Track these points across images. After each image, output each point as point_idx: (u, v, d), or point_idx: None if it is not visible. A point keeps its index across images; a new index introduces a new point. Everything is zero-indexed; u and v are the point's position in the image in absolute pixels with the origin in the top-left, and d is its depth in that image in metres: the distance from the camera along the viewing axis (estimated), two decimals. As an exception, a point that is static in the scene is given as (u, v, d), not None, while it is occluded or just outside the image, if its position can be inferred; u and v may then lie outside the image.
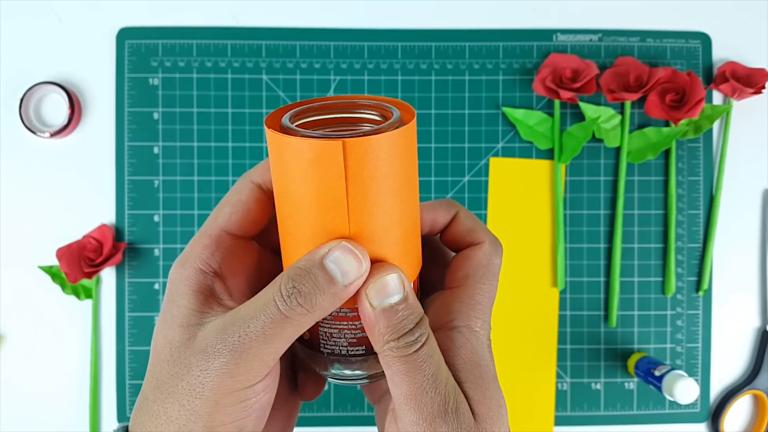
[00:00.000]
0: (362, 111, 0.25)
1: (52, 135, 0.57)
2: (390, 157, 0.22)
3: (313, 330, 0.26)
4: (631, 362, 0.58)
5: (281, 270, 0.26)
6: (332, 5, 0.60)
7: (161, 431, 0.22)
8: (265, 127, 0.23)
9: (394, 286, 0.23)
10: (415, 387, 0.23)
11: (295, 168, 0.22)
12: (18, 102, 0.57)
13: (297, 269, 0.22)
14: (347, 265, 0.22)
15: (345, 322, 0.25)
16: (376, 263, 0.23)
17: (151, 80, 0.59)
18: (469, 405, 0.24)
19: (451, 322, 0.25)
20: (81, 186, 0.59)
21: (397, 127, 0.22)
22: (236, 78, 0.59)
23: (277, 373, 0.24)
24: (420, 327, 0.23)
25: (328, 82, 0.59)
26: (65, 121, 0.57)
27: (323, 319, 0.25)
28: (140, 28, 0.59)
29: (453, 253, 0.28)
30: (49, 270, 0.58)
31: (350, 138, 0.21)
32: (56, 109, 0.59)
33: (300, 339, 0.27)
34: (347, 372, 0.26)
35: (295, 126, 0.23)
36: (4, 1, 0.59)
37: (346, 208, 0.22)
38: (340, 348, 0.25)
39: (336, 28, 0.60)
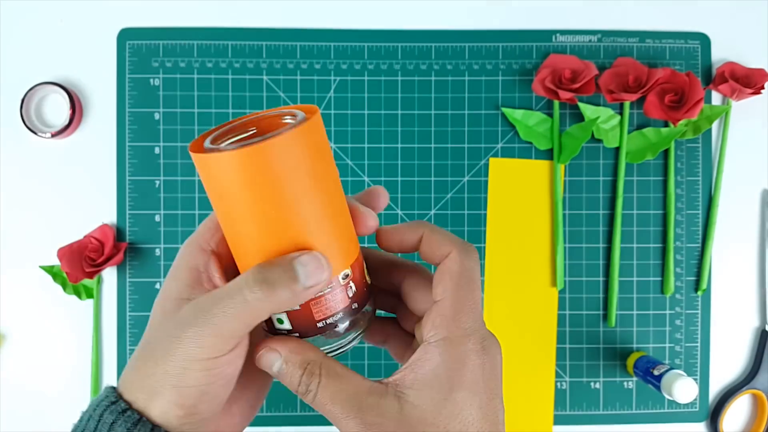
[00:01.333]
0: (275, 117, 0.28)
1: (54, 135, 0.58)
2: (289, 159, 0.24)
3: (307, 312, 0.27)
4: (630, 361, 0.58)
5: None
6: (332, 5, 0.60)
7: (141, 385, 0.26)
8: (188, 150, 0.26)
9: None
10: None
11: (207, 183, 0.26)
12: (19, 102, 0.58)
13: (269, 263, 0.25)
14: (312, 269, 0.25)
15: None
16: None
17: (152, 81, 0.59)
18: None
19: (432, 337, 0.27)
20: (82, 186, 0.59)
21: (292, 128, 0.24)
22: (237, 78, 0.59)
23: (242, 353, 0.27)
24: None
25: (329, 83, 0.60)
26: (66, 122, 0.57)
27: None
28: (141, 29, 0.59)
29: (399, 278, 0.31)
30: (50, 270, 0.58)
31: (237, 150, 0.24)
32: (57, 109, 0.59)
33: (299, 335, 0.28)
34: (341, 340, 0.28)
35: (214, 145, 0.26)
36: (5, 1, 0.59)
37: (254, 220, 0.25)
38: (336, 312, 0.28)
39: (336, 29, 0.60)
